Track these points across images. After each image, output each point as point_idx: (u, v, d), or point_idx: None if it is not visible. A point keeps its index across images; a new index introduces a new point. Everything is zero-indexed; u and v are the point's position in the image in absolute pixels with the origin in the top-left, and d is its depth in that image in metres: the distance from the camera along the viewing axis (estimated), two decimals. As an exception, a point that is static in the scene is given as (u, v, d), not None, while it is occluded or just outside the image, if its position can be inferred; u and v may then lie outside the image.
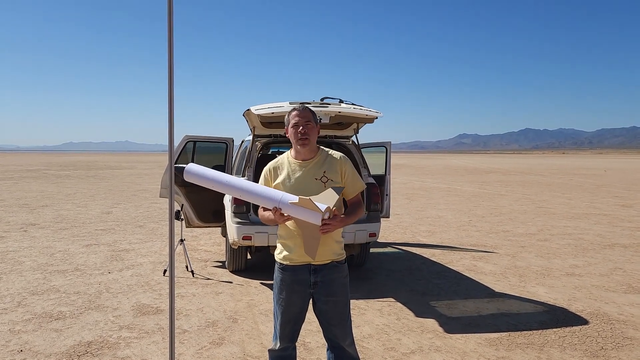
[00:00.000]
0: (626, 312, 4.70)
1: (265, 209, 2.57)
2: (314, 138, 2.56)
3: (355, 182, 2.60)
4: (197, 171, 2.65)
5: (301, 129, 2.51)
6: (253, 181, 3.99)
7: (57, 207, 12.65)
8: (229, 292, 5.27)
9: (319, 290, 2.53)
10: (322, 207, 2.31)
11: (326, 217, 2.33)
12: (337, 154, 2.63)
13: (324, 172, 2.53)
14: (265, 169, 2.64)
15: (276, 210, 2.37)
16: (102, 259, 6.74)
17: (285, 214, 2.38)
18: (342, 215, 2.49)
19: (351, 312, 2.67)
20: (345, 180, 2.57)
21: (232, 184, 2.57)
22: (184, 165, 2.73)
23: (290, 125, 2.56)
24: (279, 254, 2.60)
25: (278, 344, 2.61)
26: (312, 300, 2.59)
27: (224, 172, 6.84)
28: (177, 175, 2.77)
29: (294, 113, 2.55)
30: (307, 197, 2.31)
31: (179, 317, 4.43)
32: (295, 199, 2.34)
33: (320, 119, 5.15)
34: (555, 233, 9.19)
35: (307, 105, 2.67)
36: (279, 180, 2.55)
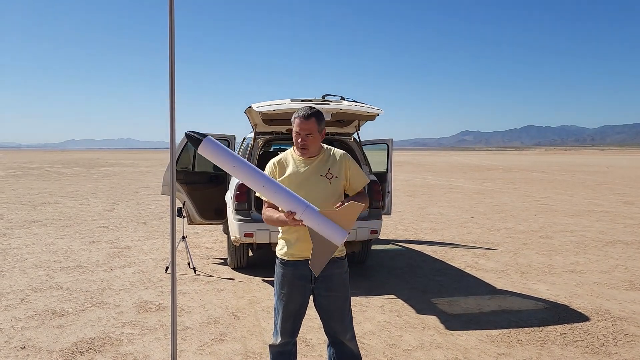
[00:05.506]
0: (627, 308, 4.71)
1: (269, 207, 2.54)
2: (313, 147, 2.56)
3: (359, 176, 2.64)
4: (215, 148, 2.32)
5: (300, 140, 2.53)
6: None
7: (60, 204, 12.68)
8: (230, 289, 5.29)
9: (319, 285, 2.55)
10: (344, 233, 2.33)
11: (343, 241, 2.36)
12: (339, 152, 2.67)
13: (329, 168, 2.57)
14: (270, 163, 2.64)
15: (294, 219, 2.33)
16: (104, 256, 6.76)
17: (300, 222, 2.34)
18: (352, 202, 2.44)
19: (353, 309, 2.68)
20: (350, 176, 2.61)
21: (253, 177, 2.35)
22: (200, 137, 2.30)
23: (293, 130, 2.56)
24: (280, 249, 2.62)
25: (279, 339, 2.63)
26: (313, 295, 2.61)
27: (224, 171, 6.82)
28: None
29: (297, 121, 2.52)
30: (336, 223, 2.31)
31: (180, 314, 4.46)
32: (319, 215, 2.31)
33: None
34: (557, 230, 9.19)
35: (313, 106, 2.59)
36: (285, 175, 2.55)
